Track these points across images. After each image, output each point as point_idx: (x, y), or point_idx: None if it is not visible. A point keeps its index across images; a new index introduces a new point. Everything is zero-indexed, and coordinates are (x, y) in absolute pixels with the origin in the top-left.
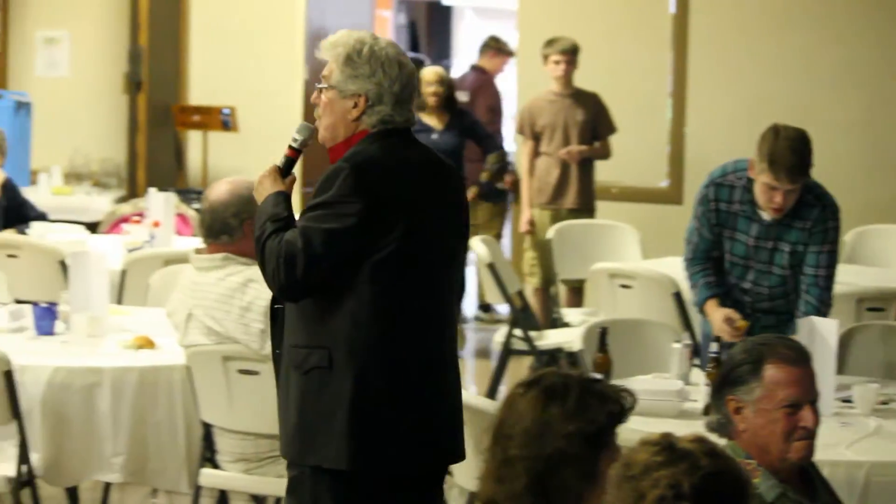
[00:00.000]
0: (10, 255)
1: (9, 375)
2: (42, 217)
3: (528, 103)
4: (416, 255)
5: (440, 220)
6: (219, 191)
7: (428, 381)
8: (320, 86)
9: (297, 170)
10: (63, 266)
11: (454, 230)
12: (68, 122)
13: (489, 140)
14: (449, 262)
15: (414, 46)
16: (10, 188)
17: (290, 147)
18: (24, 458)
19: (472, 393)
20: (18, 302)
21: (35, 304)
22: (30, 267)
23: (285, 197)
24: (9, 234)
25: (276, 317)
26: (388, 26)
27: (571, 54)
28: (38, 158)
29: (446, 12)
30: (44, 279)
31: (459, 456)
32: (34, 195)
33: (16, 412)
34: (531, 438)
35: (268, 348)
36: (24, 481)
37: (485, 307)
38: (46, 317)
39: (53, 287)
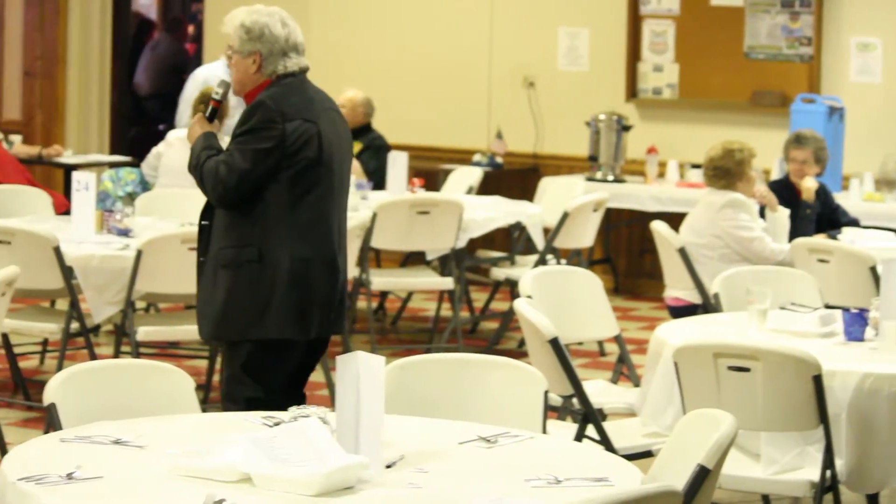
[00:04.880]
0: (821, 261)
1: (818, 380)
2: (854, 223)
3: None
4: (321, 168)
5: (335, 141)
6: None
7: (332, 264)
8: (228, 53)
9: None
10: (874, 272)
11: (345, 151)
12: (880, 129)
13: None
14: (342, 175)
15: None
16: (823, 193)
17: (213, 99)
18: (828, 463)
19: None
20: (828, 307)
21: (845, 309)
22: (841, 272)
23: (213, 135)
24: (820, 239)
25: (201, 232)
26: None
27: None
28: (850, 164)
29: None
30: (855, 285)
31: (343, 328)
32: (845, 200)
33: (823, 417)
34: None
35: None
36: (828, 487)
37: None
38: (857, 322)
39: (864, 293)
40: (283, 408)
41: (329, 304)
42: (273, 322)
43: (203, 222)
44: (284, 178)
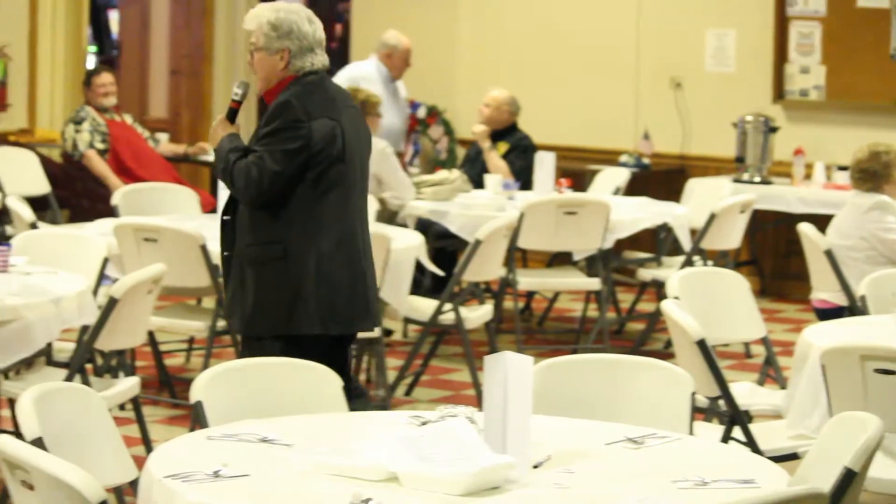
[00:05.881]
0: None
1: None
2: None
3: None
4: (344, 165)
5: (356, 139)
6: None
7: (356, 260)
8: (252, 50)
9: None
10: None
11: (364, 147)
12: None
13: None
14: (363, 171)
15: None
16: None
17: (233, 100)
18: None
19: None
20: None
21: None
22: None
23: (237, 135)
24: None
25: (224, 226)
26: None
27: None
28: None
29: None
30: None
31: (379, 322)
32: None
33: None
34: None
35: None
36: None
37: None
38: None
39: None
40: None
41: (354, 299)
42: (301, 318)
43: (224, 217)
44: (310, 176)
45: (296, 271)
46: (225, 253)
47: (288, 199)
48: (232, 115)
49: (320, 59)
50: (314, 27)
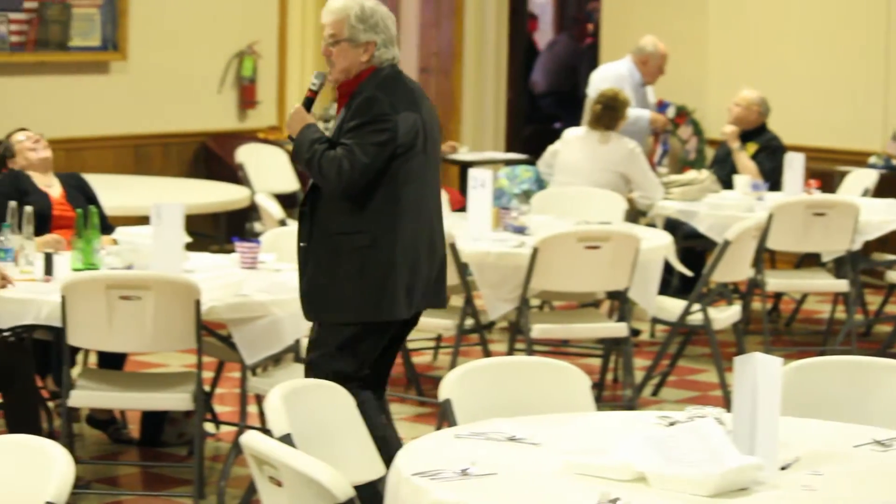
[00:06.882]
0: None
1: None
2: None
3: None
4: (424, 155)
5: (431, 129)
6: None
7: (433, 245)
8: (331, 41)
9: None
10: None
11: (437, 136)
12: None
13: None
14: (437, 159)
15: None
16: None
17: (310, 90)
18: None
19: None
20: None
21: None
22: None
23: (316, 126)
24: None
25: (302, 217)
26: None
27: None
28: None
29: None
30: None
31: (442, 302)
32: None
33: None
34: None
35: None
36: None
37: None
38: None
39: None
40: (368, 380)
41: (428, 281)
42: (387, 305)
43: (303, 209)
44: (394, 166)
45: (382, 259)
46: (302, 244)
47: (372, 189)
48: (308, 105)
49: (398, 53)
50: (393, 21)
